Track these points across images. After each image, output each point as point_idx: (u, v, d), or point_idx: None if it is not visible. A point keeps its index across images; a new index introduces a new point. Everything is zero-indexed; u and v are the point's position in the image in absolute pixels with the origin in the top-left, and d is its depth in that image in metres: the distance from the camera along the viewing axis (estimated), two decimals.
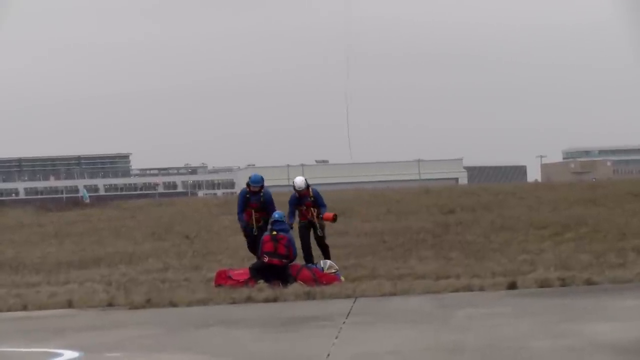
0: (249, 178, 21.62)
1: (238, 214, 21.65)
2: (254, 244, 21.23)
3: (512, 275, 19.05)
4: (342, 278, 19.98)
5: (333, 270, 20.06)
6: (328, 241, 21.86)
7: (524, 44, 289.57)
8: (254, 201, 21.39)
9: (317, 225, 21.25)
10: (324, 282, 19.54)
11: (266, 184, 21.71)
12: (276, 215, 20.47)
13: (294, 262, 20.24)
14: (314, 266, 20.23)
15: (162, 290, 19.68)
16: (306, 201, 21.34)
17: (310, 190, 21.39)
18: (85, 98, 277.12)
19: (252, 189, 21.44)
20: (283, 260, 19.88)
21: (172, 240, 32.46)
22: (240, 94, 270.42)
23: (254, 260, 20.88)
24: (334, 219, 21.30)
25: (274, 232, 20.00)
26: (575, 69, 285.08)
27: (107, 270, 24.07)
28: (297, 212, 21.53)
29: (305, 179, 21.55)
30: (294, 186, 21.48)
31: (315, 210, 21.28)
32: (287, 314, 16.30)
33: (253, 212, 21.33)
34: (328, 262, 20.43)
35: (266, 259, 19.88)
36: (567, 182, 70.90)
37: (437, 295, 17.63)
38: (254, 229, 21.27)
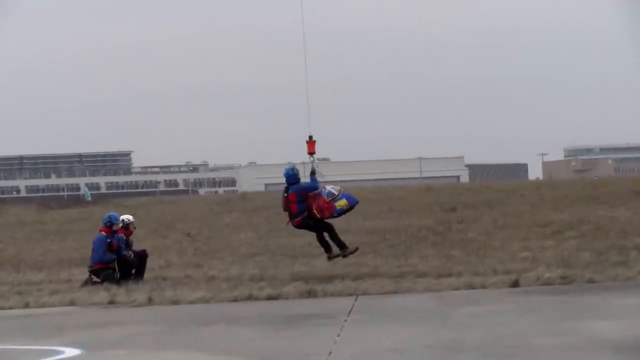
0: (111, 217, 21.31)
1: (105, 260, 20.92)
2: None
3: (514, 273, 19.02)
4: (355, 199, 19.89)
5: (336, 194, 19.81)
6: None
7: (526, 41, 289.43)
8: (116, 242, 21.08)
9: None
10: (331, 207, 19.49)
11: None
12: (284, 172, 20.16)
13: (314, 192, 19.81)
14: (327, 191, 19.84)
15: (164, 288, 19.68)
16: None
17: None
18: (87, 96, 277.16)
19: (116, 227, 21.18)
20: (298, 218, 19.84)
21: (173, 237, 32.50)
22: (241, 92, 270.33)
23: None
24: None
25: (285, 195, 19.99)
26: (576, 67, 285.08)
27: None
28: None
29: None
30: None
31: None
32: (289, 312, 16.28)
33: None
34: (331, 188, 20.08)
35: (288, 223, 20.02)
36: (569, 180, 70.95)
37: (439, 293, 17.60)
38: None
